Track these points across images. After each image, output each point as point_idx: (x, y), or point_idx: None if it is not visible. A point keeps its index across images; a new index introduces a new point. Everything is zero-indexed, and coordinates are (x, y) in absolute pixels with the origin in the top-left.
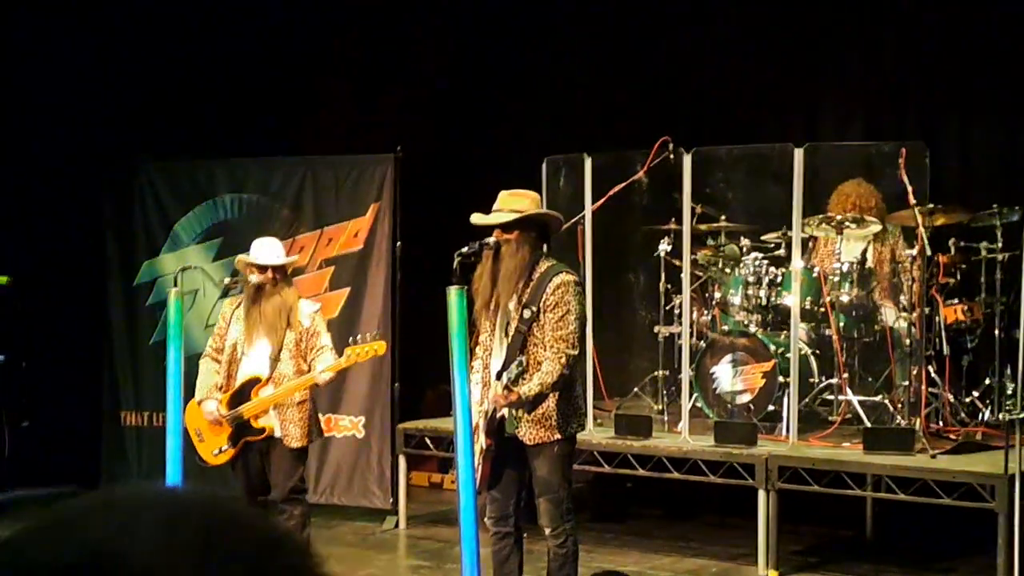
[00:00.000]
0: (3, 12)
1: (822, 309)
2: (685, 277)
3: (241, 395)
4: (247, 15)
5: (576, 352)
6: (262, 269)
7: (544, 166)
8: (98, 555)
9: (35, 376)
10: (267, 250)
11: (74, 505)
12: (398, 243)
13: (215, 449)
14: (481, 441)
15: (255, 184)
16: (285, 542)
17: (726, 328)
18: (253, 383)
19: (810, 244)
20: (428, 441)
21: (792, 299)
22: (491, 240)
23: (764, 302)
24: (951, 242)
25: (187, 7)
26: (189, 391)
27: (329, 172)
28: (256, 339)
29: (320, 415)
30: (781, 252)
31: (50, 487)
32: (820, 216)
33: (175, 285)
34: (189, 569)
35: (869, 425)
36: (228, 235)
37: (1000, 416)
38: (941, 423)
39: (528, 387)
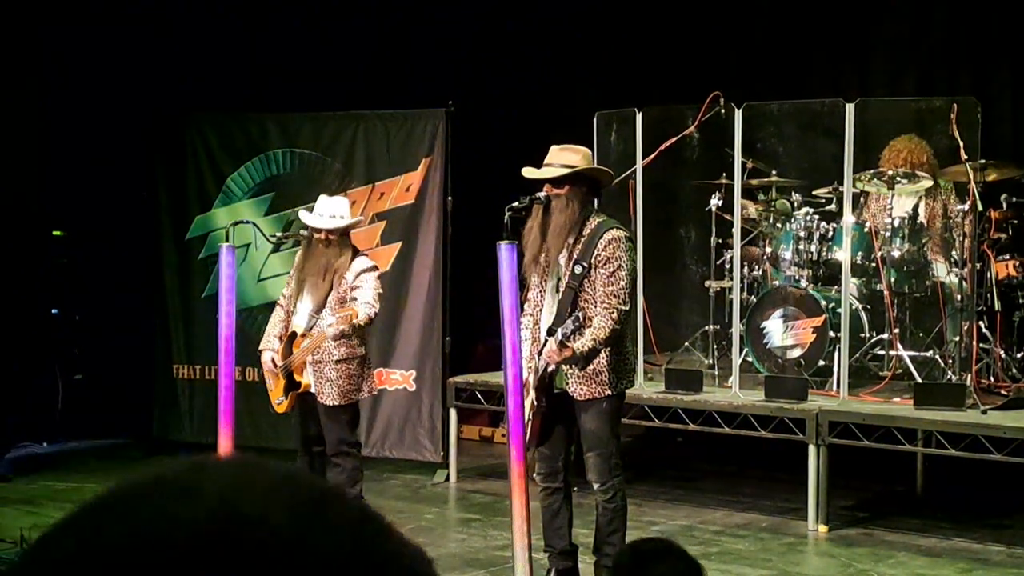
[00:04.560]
0: None
1: (873, 264)
2: (736, 232)
3: (288, 348)
4: None
5: (627, 308)
6: (318, 230)
7: (595, 120)
8: (224, 514)
9: (88, 329)
10: (321, 208)
11: (174, 466)
12: (449, 197)
13: (277, 399)
14: (531, 397)
15: (307, 139)
16: (373, 519)
17: (777, 283)
18: (293, 337)
19: (861, 199)
20: (479, 395)
21: (843, 254)
22: (541, 195)
23: (815, 257)
24: (1003, 197)
25: None
26: (240, 345)
27: (380, 126)
28: (303, 294)
29: (373, 371)
30: (832, 207)
31: (104, 439)
32: (871, 171)
33: (227, 239)
34: (316, 531)
35: (920, 381)
36: (280, 189)
37: None
38: (992, 379)
39: (581, 343)
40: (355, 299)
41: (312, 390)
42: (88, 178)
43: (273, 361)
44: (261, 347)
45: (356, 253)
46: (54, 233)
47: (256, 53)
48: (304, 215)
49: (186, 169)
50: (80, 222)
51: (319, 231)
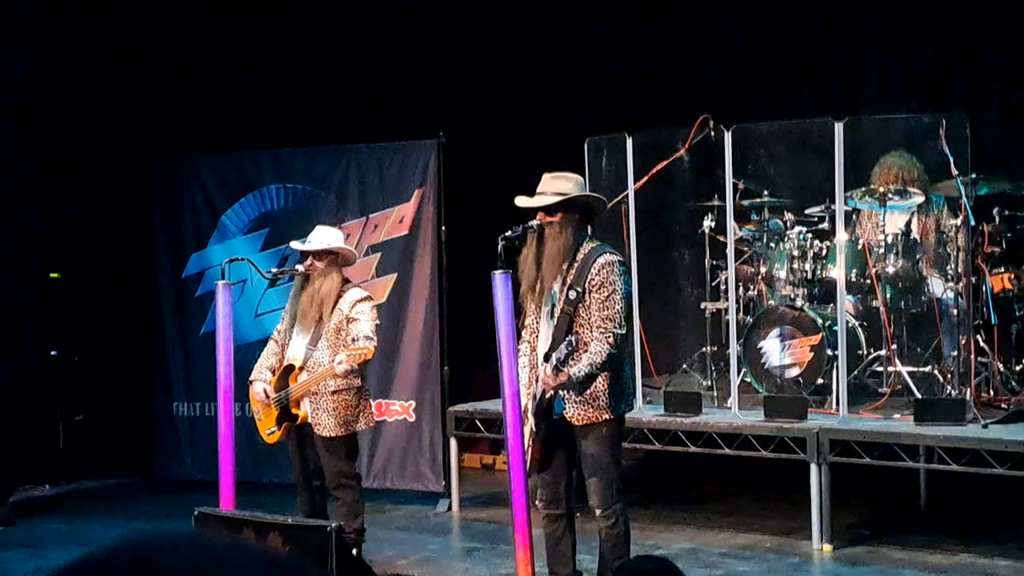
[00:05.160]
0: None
1: (868, 281)
2: (730, 253)
3: (283, 380)
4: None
5: (623, 332)
6: (304, 256)
7: (586, 146)
8: None
9: (88, 370)
10: (315, 236)
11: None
12: (443, 228)
13: (268, 429)
14: (530, 423)
15: (301, 173)
16: None
17: (772, 302)
18: (290, 369)
19: (854, 217)
20: (479, 423)
21: (838, 272)
22: (535, 223)
23: (810, 276)
24: (995, 211)
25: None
26: (239, 381)
27: (373, 159)
28: (297, 326)
29: (372, 402)
30: (825, 225)
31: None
32: (863, 188)
33: (223, 277)
34: None
35: (919, 396)
36: (275, 225)
37: None
38: (991, 392)
39: (577, 368)
40: (357, 335)
41: (309, 421)
42: (84, 219)
43: (265, 392)
44: (252, 378)
45: (346, 283)
46: (51, 275)
47: (249, 89)
48: (295, 244)
49: (181, 207)
50: (77, 263)
51: (305, 256)
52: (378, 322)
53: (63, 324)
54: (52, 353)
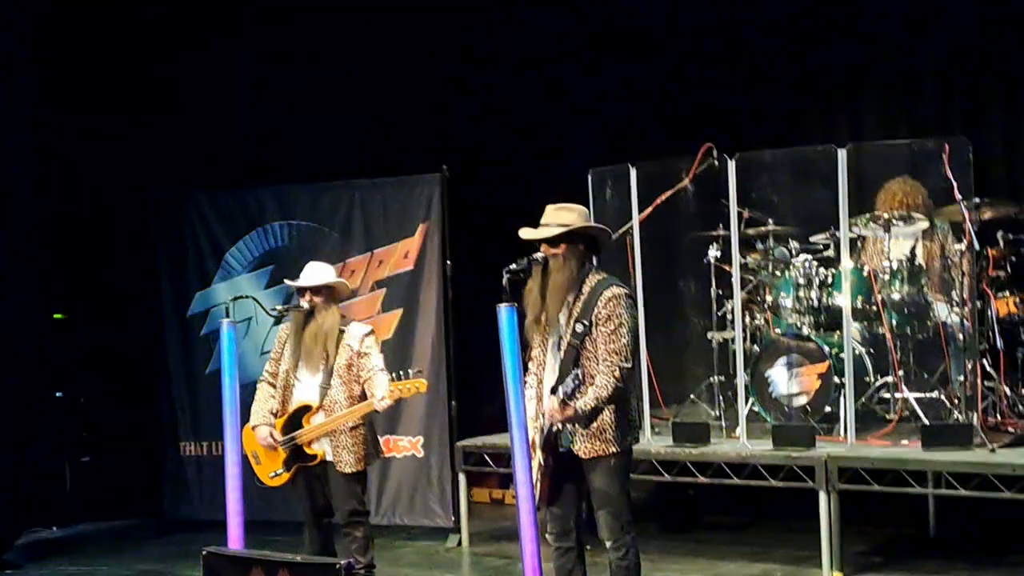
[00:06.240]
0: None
1: (874, 308)
2: (735, 282)
3: (294, 421)
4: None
5: (630, 365)
6: (302, 292)
7: (590, 177)
8: None
9: (94, 411)
10: (309, 272)
11: None
12: (448, 262)
13: (271, 472)
14: (538, 457)
15: (304, 210)
16: None
17: (779, 331)
18: (304, 410)
19: (859, 243)
20: (487, 458)
21: (843, 299)
22: (539, 255)
23: (816, 303)
24: (999, 235)
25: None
26: (246, 419)
27: (377, 194)
28: (303, 365)
29: (379, 436)
30: (830, 253)
31: (113, 520)
32: (868, 215)
33: (228, 315)
34: None
35: (927, 422)
36: (279, 262)
37: None
38: (999, 416)
39: (584, 401)
40: (374, 367)
41: (329, 458)
42: (87, 259)
43: (272, 436)
44: (255, 423)
45: (344, 318)
46: (55, 316)
47: (250, 127)
48: (290, 282)
49: (185, 246)
50: (81, 303)
51: (304, 292)
52: (382, 354)
53: (68, 365)
54: (57, 394)
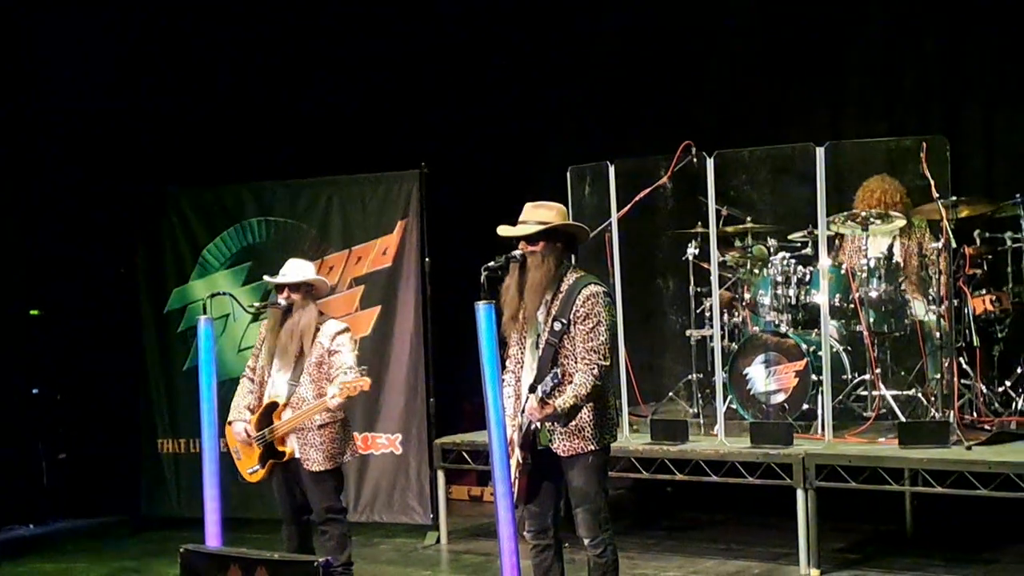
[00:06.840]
0: (31, 39)
1: (852, 306)
2: (714, 280)
3: (265, 418)
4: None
5: (608, 363)
6: (279, 289)
7: (569, 175)
8: None
9: (70, 408)
10: (288, 269)
11: None
12: (426, 259)
13: (249, 468)
14: (516, 455)
15: (282, 207)
16: None
17: (757, 329)
18: (273, 407)
19: (837, 241)
20: (466, 455)
21: (821, 297)
22: (517, 253)
23: (794, 301)
24: (976, 233)
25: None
26: (223, 416)
27: (355, 191)
28: (277, 362)
29: (356, 434)
30: (808, 251)
31: (91, 518)
32: (845, 213)
33: (205, 312)
34: None
35: (904, 420)
36: (257, 259)
37: None
38: (975, 414)
39: (562, 399)
40: (341, 366)
41: (297, 456)
42: (64, 255)
43: (246, 431)
44: (231, 418)
45: (320, 315)
46: (31, 312)
47: (229, 123)
48: (269, 278)
49: (162, 242)
50: (57, 300)
51: (282, 289)
52: (356, 352)
53: (44, 362)
54: (34, 391)
